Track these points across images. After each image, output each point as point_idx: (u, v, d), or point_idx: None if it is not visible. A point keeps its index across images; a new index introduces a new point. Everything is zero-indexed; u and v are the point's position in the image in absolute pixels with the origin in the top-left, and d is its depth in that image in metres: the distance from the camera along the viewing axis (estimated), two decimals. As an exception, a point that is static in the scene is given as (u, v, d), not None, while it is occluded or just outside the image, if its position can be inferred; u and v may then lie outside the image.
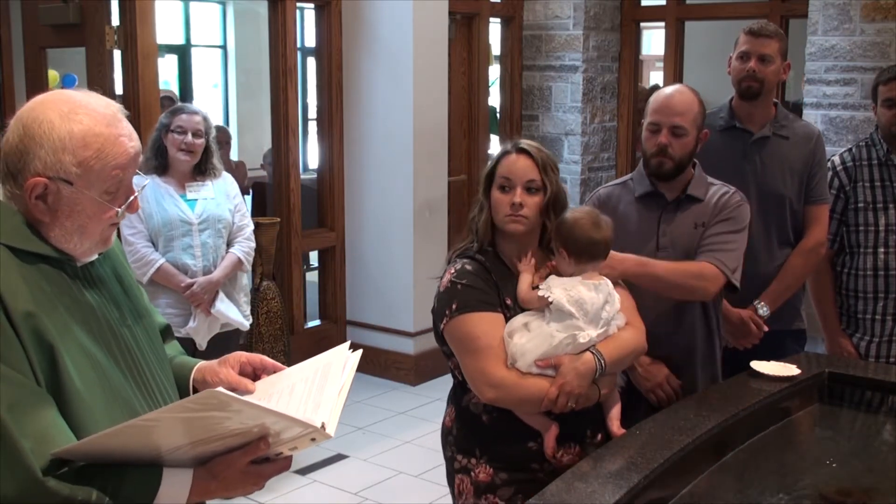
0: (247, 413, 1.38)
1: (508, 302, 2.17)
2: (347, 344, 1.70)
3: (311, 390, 1.54)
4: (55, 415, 1.40)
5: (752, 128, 3.07)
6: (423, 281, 5.14)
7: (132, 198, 1.56)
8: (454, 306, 2.14)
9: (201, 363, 1.76)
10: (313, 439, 1.45)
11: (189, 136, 3.61)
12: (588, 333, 2.11)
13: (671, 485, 1.97)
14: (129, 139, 1.53)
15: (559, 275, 2.20)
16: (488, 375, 2.09)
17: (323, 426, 1.43)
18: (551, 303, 2.11)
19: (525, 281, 2.18)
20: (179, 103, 3.76)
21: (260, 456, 1.46)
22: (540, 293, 2.13)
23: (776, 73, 3.04)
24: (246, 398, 1.40)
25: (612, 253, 2.30)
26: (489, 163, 2.26)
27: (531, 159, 2.19)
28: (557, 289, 2.12)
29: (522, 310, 2.17)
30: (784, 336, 3.12)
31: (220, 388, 1.35)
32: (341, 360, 1.64)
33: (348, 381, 1.59)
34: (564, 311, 2.10)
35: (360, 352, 1.69)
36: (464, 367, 2.15)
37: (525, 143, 2.23)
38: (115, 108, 1.54)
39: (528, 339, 2.10)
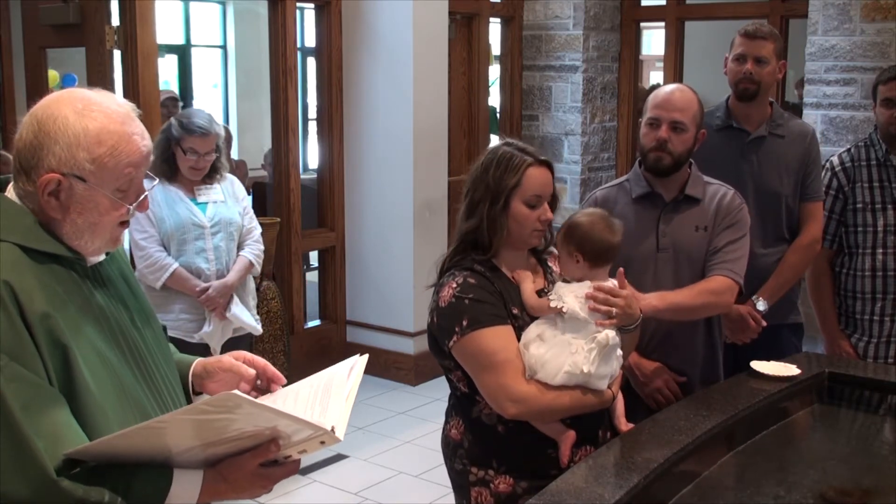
0: (260, 415, 1.39)
1: (515, 311, 2.13)
2: (358, 355, 1.69)
3: (318, 395, 1.55)
4: (68, 415, 1.41)
5: (749, 127, 3.09)
6: (423, 281, 5.11)
7: (143, 197, 1.57)
8: (465, 322, 2.06)
9: (200, 358, 1.77)
10: (322, 442, 1.46)
11: (202, 159, 3.57)
12: (606, 332, 2.08)
13: (671, 485, 1.97)
14: (142, 138, 1.54)
15: (562, 280, 2.18)
16: (510, 391, 2.04)
17: (333, 429, 1.44)
18: (565, 312, 2.07)
19: (528, 289, 2.15)
20: (189, 115, 3.62)
21: (269, 459, 1.47)
22: (552, 303, 2.08)
23: (772, 74, 3.07)
24: (259, 400, 1.40)
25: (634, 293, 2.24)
26: (509, 174, 2.11)
27: (550, 171, 2.16)
28: (569, 297, 2.09)
29: (530, 318, 2.13)
30: (781, 330, 3.15)
31: (236, 391, 1.36)
32: (347, 366, 1.64)
33: (355, 387, 1.59)
34: (579, 318, 2.07)
35: (366, 356, 1.68)
36: (481, 384, 2.09)
37: (541, 153, 2.18)
38: (128, 107, 1.55)
39: (546, 349, 2.06)
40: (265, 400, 1.63)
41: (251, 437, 1.43)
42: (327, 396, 1.53)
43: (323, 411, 1.49)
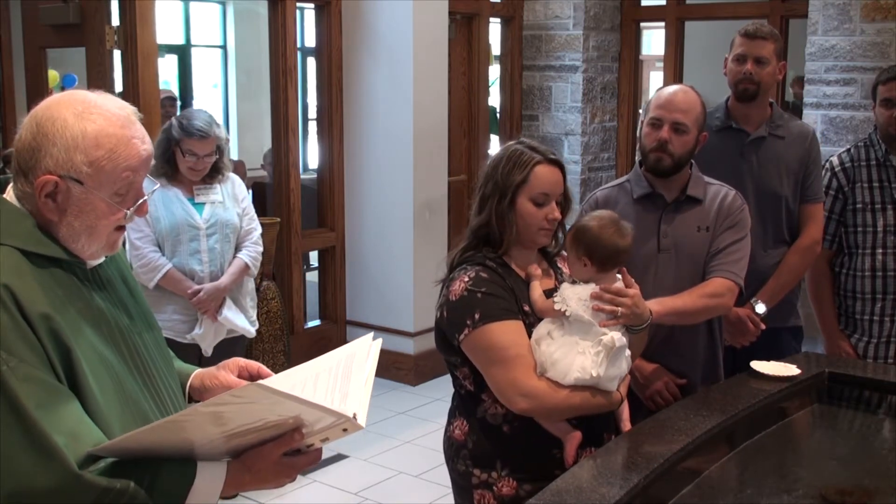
0: (282, 404, 1.38)
1: (526, 308, 2.13)
2: (371, 335, 1.69)
3: (337, 380, 1.54)
4: (82, 412, 1.41)
5: (749, 128, 3.09)
6: (423, 281, 5.14)
7: (141, 201, 1.56)
8: (477, 316, 2.06)
9: (198, 370, 1.77)
10: (345, 430, 1.46)
11: (201, 161, 3.56)
12: (612, 335, 2.08)
13: (671, 484, 1.97)
14: (142, 142, 1.53)
15: (570, 281, 2.17)
16: (521, 386, 2.04)
17: (355, 416, 1.44)
18: (568, 315, 2.07)
19: (537, 290, 2.15)
20: (189, 116, 3.58)
21: (292, 448, 1.47)
22: (556, 306, 2.08)
23: (772, 75, 3.07)
24: (283, 389, 1.39)
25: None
26: (516, 171, 2.13)
27: (561, 171, 2.17)
28: (572, 300, 2.08)
29: (539, 316, 2.14)
30: (780, 332, 3.14)
31: (260, 381, 1.37)
32: (364, 350, 1.64)
33: (372, 371, 1.60)
34: (584, 321, 2.07)
35: (380, 340, 1.69)
36: (491, 378, 2.08)
37: (551, 151, 2.18)
38: (129, 111, 1.54)
39: (556, 347, 2.06)
40: (283, 381, 1.63)
41: (274, 426, 1.43)
42: (346, 382, 1.53)
43: (343, 398, 1.48)
